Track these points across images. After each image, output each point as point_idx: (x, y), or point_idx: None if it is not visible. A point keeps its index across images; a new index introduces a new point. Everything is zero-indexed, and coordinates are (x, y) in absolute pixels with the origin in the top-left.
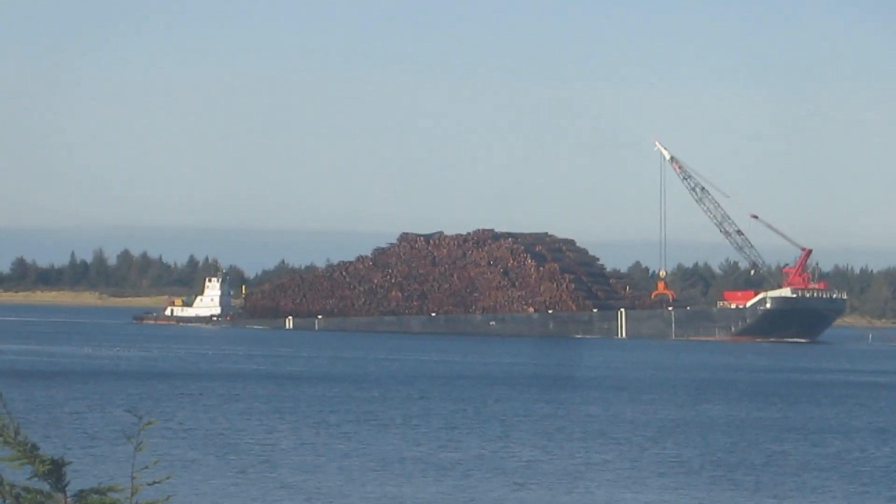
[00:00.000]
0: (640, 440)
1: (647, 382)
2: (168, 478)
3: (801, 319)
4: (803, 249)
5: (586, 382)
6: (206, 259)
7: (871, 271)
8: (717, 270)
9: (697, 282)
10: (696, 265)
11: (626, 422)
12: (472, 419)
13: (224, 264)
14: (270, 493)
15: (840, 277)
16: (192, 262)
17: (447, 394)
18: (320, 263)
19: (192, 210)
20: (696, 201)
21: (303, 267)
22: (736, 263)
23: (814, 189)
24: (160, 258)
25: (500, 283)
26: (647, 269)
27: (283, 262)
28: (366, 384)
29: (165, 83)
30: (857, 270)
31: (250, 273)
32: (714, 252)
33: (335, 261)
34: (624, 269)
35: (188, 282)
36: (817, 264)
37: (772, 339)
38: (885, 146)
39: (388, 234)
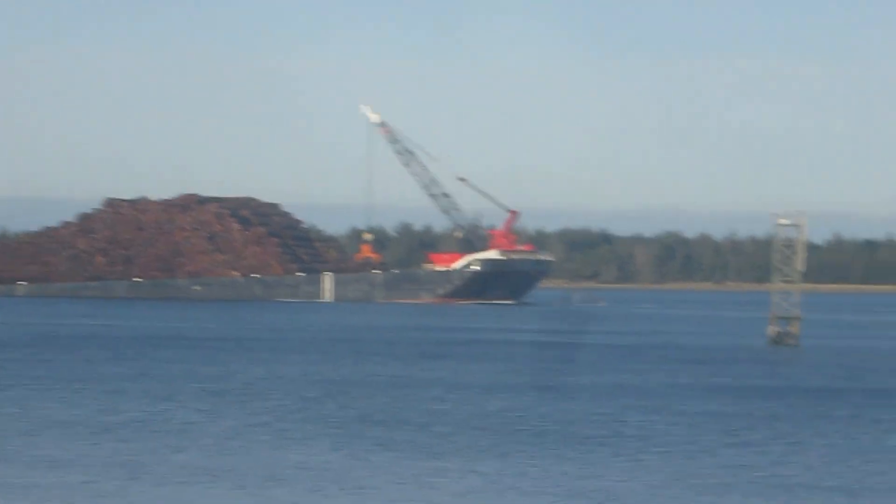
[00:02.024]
0: (302, 400)
1: (317, 343)
2: None
3: (508, 281)
4: (510, 211)
5: (265, 344)
6: None
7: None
8: (425, 233)
9: (405, 244)
10: (404, 228)
11: (290, 381)
12: (135, 382)
13: None
14: None
15: (545, 239)
16: None
17: (114, 357)
18: (15, 230)
19: None
20: (404, 165)
21: None
22: (444, 226)
23: (521, 152)
24: None
25: (205, 247)
26: (355, 233)
27: None
28: (31, 348)
29: None
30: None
31: None
32: (422, 215)
33: (37, 227)
34: (331, 233)
35: None
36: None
37: (479, 301)
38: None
39: (95, 200)
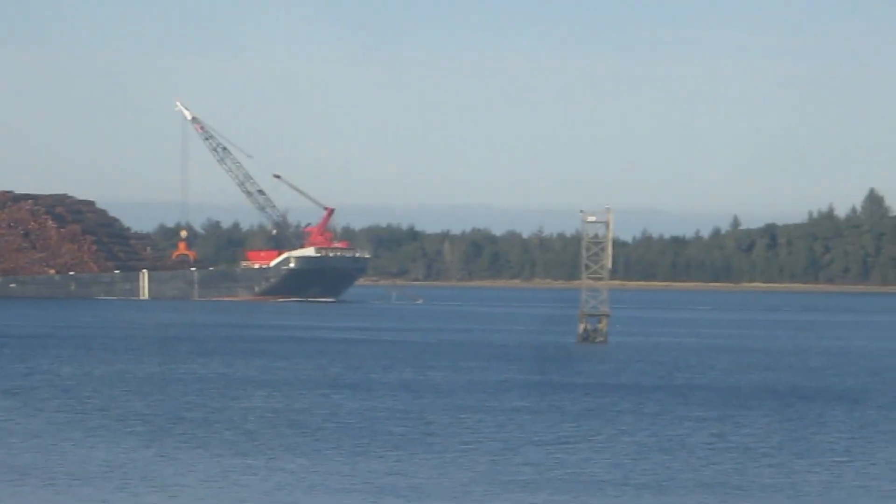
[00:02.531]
0: (111, 397)
1: (120, 340)
2: None
3: (325, 278)
4: (326, 209)
5: (76, 341)
6: None
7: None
8: (242, 230)
9: (222, 242)
10: (220, 225)
11: (100, 379)
12: None
13: None
14: None
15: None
16: None
17: None
18: None
19: None
20: (219, 161)
21: None
22: (260, 223)
23: (335, 147)
24: None
25: (20, 245)
26: (171, 230)
27: None
28: None
29: None
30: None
31: None
32: (238, 212)
33: None
34: (146, 230)
35: None
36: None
37: (297, 299)
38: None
39: None
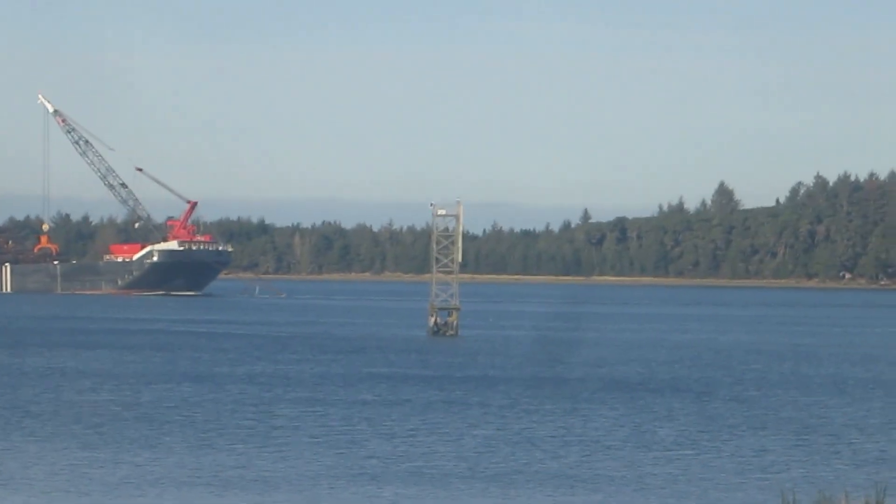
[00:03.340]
0: None
1: None
2: None
3: (188, 272)
4: (189, 202)
5: None
6: None
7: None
8: (105, 223)
9: (72, 235)
10: (69, 218)
11: None
12: None
13: None
14: None
15: (225, 228)
16: None
17: None
18: None
19: None
20: (81, 154)
21: None
22: (123, 216)
23: (202, 142)
24: None
25: None
26: (33, 223)
27: None
28: None
29: None
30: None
31: None
32: (101, 205)
33: None
34: (4, 223)
35: None
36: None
37: (160, 292)
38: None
39: None
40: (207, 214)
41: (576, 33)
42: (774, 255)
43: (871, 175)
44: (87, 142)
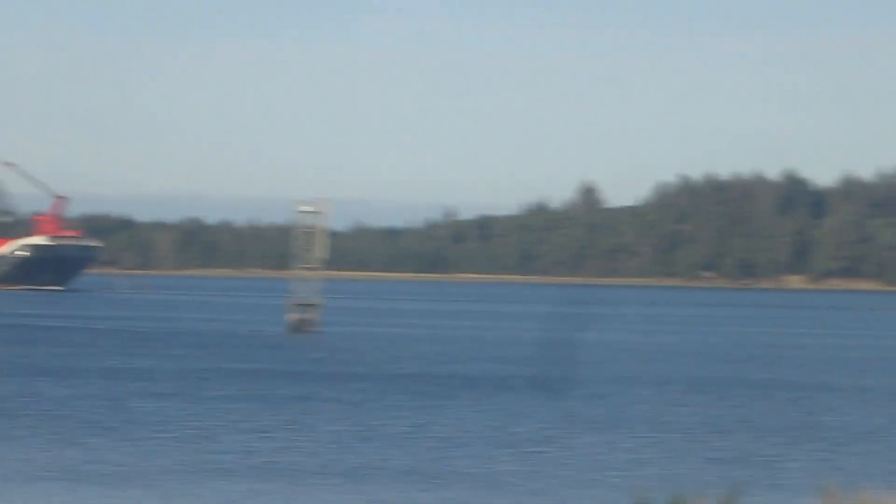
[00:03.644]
0: None
1: None
2: None
3: (55, 267)
4: (57, 197)
5: None
6: None
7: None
8: None
9: None
10: None
11: None
12: None
13: None
14: None
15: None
16: None
17: None
18: None
19: None
20: None
21: None
22: None
23: (73, 136)
24: None
25: None
26: None
27: None
28: None
29: None
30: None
31: None
32: None
33: None
34: None
35: None
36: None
37: (27, 287)
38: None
39: None
40: (74, 210)
41: (416, 28)
42: (637, 253)
43: (735, 175)
44: None
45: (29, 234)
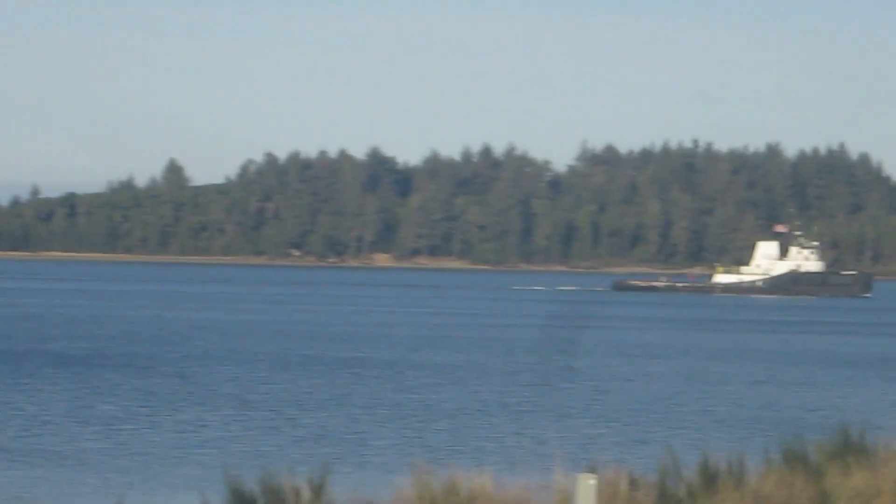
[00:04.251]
0: None
1: None
2: None
3: None
4: None
5: None
6: None
7: None
8: None
9: None
10: None
11: None
12: None
13: None
14: None
15: None
16: None
17: None
18: None
19: None
20: None
21: None
22: None
23: None
24: None
25: None
26: None
27: None
28: None
29: None
30: None
31: None
32: None
33: None
34: None
35: None
36: None
37: None
38: None
39: None
40: None
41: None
42: (223, 231)
43: (321, 153)
44: None
45: None
